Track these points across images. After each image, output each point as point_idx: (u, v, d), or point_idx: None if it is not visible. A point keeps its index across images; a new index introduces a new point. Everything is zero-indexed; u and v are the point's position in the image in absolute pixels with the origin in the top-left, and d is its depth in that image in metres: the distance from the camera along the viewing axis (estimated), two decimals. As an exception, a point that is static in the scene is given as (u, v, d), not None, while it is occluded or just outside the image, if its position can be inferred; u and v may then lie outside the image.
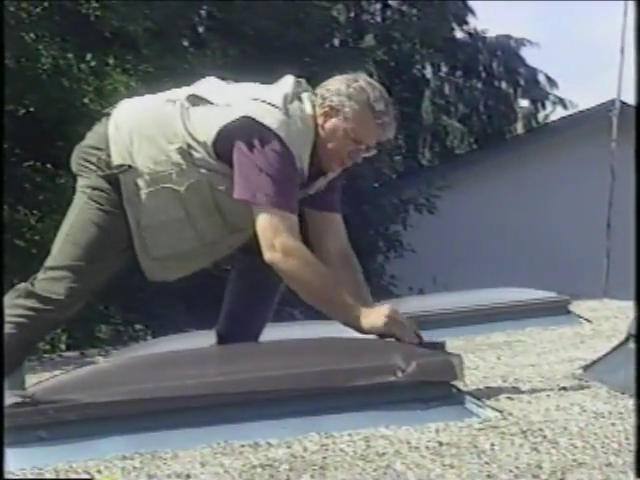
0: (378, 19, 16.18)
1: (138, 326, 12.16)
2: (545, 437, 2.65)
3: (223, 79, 3.44)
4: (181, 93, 3.31)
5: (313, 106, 3.25)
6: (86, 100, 10.20)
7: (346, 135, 3.23)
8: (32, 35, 10.16)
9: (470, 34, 17.65)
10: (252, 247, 3.23)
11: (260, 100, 3.19)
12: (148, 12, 10.38)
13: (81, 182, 3.36)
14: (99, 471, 2.61)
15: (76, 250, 3.31)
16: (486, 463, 2.44)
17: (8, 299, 3.30)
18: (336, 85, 3.27)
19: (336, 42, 14.78)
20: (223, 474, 2.50)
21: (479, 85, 18.45)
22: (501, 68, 18.24)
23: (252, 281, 3.39)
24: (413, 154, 17.51)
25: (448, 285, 10.21)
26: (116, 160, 3.26)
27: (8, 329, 3.24)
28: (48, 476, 2.62)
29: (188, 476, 2.50)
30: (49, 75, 10.26)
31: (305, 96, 3.27)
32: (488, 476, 2.32)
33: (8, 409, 2.76)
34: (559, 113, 18.00)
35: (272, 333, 4.08)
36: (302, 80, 3.35)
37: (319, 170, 3.30)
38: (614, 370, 3.45)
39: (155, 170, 3.23)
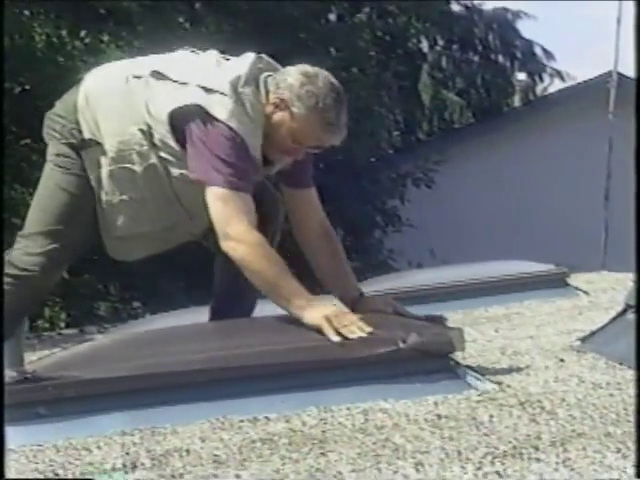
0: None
1: (136, 303, 12.16)
2: (544, 408, 2.66)
3: (197, 51, 3.40)
4: (147, 66, 3.29)
5: (267, 93, 3.18)
6: (81, 77, 10.15)
7: (288, 133, 3.17)
8: (26, 12, 10.12)
9: (466, 7, 17.58)
10: None
11: (210, 89, 3.14)
12: (143, -13, 10.34)
13: (48, 150, 3.39)
14: (99, 447, 2.62)
15: (45, 216, 3.32)
16: (485, 435, 2.45)
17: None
18: (291, 80, 3.17)
19: (332, 17, 14.72)
20: (223, 449, 2.51)
21: (476, 58, 18.37)
22: (497, 41, 18.15)
23: None
24: (411, 128, 17.46)
25: (447, 259, 10.21)
26: (85, 134, 3.29)
27: None
28: (48, 453, 2.63)
29: (188, 451, 2.51)
30: (43, 52, 10.22)
31: (262, 80, 3.20)
32: (487, 447, 2.33)
33: (8, 386, 2.77)
34: (557, 86, 17.96)
35: (269, 307, 4.08)
36: (264, 58, 3.29)
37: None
38: (612, 341, 3.46)
39: (118, 148, 3.24)
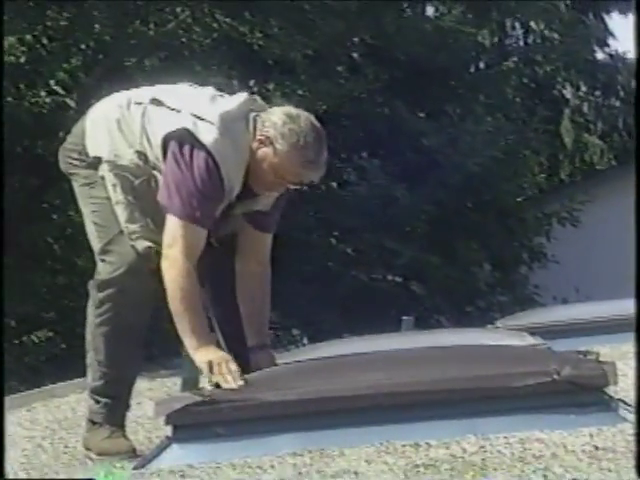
0: (521, 43, 15.99)
1: (295, 331, 12.25)
2: (701, 443, 2.55)
3: (195, 85, 3.44)
4: (149, 94, 3.35)
5: (254, 130, 3.21)
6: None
7: (270, 168, 3.19)
8: (202, 64, 10.36)
9: (611, 55, 17.28)
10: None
11: (200, 117, 3.18)
12: (307, 41, 10.47)
13: (73, 179, 3.44)
14: (272, 466, 2.63)
15: (106, 227, 3.32)
16: (643, 468, 2.36)
17: (91, 301, 3.31)
18: (275, 118, 3.21)
19: (481, 65, 14.66)
20: (388, 472, 2.49)
21: (617, 104, 18.03)
22: (640, 87, 17.76)
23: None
24: (555, 170, 17.21)
25: (591, 296, 9.98)
26: (91, 152, 3.35)
27: (106, 327, 3.27)
28: (225, 470, 2.65)
29: (356, 473, 2.50)
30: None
31: (251, 118, 3.23)
32: (646, 480, 2.25)
33: (189, 407, 2.81)
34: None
35: (424, 340, 4.05)
36: (257, 99, 3.33)
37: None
38: None
39: (116, 162, 3.29)
